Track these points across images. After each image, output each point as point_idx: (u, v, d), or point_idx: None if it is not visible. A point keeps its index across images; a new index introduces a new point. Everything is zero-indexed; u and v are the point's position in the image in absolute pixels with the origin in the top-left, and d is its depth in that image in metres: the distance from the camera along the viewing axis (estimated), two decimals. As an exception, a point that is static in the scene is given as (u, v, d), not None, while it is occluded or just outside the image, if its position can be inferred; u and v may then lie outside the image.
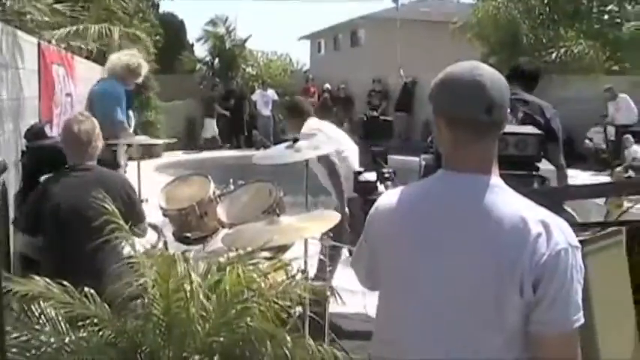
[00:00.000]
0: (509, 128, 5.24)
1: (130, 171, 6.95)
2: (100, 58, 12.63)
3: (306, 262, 4.83)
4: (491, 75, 2.05)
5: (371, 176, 3.74)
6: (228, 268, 3.36)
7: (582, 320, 1.97)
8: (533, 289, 1.92)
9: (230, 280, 3.34)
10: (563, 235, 1.97)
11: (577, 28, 21.04)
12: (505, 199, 2.01)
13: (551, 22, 21.53)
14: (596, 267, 3.10)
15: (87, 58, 12.09)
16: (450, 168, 2.09)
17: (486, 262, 1.96)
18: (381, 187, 3.97)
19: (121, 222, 3.50)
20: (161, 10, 27.90)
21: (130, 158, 7.88)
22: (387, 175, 3.83)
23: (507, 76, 5.73)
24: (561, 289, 1.93)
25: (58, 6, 9.52)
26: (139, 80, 7.74)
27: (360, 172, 3.58)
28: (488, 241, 1.96)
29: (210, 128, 21.89)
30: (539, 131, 4.43)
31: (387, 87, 23.40)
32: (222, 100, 22.40)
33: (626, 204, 4.16)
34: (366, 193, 3.70)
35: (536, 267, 1.92)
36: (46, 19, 8.83)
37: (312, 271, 5.18)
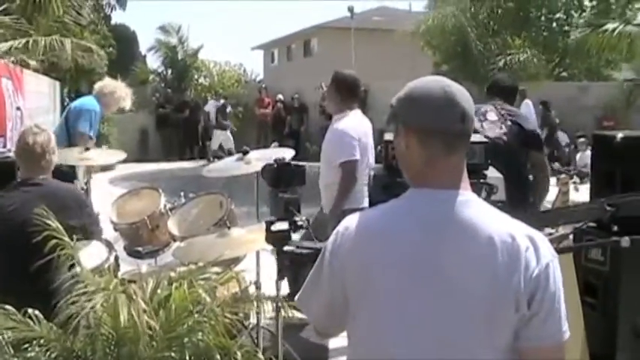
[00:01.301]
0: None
1: (93, 184, 6.98)
2: (54, 70, 12.54)
3: (258, 274, 4.83)
4: (457, 87, 2.05)
5: (283, 226, 3.56)
6: (174, 285, 3.33)
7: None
8: (528, 304, 1.91)
9: (178, 295, 3.32)
10: (547, 247, 1.98)
11: (525, 36, 21.39)
12: (486, 214, 2.00)
13: (500, 30, 21.84)
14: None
15: (36, 70, 11.96)
16: (422, 185, 2.04)
17: (480, 279, 1.93)
18: (294, 236, 3.82)
19: (66, 239, 3.44)
20: (113, 21, 27.78)
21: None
22: (300, 224, 3.62)
23: (488, 89, 5.80)
24: (554, 301, 1.94)
25: (4, 18, 9.42)
26: (114, 110, 7.98)
27: (271, 222, 3.43)
28: (481, 259, 1.93)
29: (217, 139, 21.86)
30: (485, 139, 4.50)
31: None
32: (176, 111, 22.33)
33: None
34: (279, 243, 3.52)
35: (530, 281, 1.91)
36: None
37: (267, 283, 5.16)
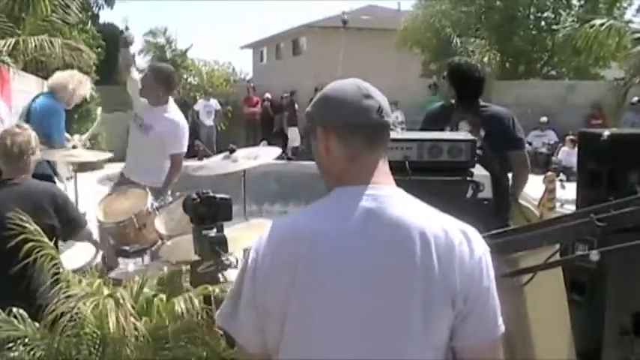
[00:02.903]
0: (443, 135, 5.33)
1: (81, 183, 6.96)
2: (42, 69, 12.48)
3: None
4: (370, 85, 2.06)
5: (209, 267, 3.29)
6: (158, 292, 3.33)
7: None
8: (464, 300, 1.88)
9: (161, 304, 3.33)
10: (479, 240, 1.95)
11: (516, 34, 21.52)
12: (416, 209, 1.95)
13: (485, 30, 21.92)
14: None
15: (23, 70, 11.91)
16: (347, 183, 1.99)
17: (414, 276, 1.86)
18: (227, 274, 3.56)
19: (45, 239, 3.42)
20: (102, 20, 27.64)
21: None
22: (227, 263, 3.32)
23: (467, 95, 5.62)
24: (488, 296, 1.92)
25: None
26: (78, 101, 7.76)
27: (198, 262, 3.21)
28: (414, 255, 1.86)
29: (295, 137, 21.85)
30: (473, 137, 4.48)
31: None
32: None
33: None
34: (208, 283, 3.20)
35: (465, 277, 1.88)
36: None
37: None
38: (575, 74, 23.56)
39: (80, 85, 7.56)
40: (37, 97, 7.75)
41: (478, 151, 5.15)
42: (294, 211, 2.16)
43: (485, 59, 19.95)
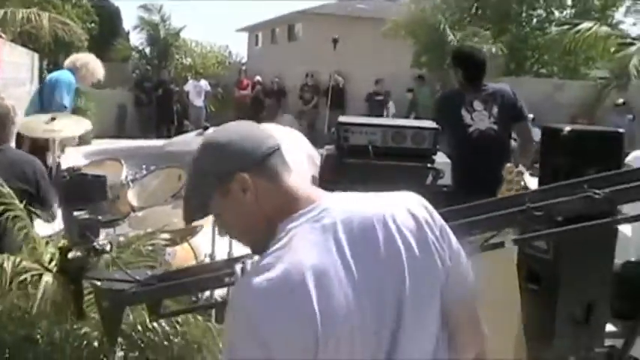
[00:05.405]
0: (406, 122, 5.48)
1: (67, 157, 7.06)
2: (32, 41, 12.52)
3: (213, 246, 4.95)
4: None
5: (78, 253, 2.78)
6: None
7: None
8: (449, 257, 1.85)
9: (127, 258, 3.42)
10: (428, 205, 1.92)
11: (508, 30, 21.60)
12: (369, 202, 1.85)
13: (477, 25, 22.00)
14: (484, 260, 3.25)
15: (13, 41, 11.96)
16: (292, 212, 1.78)
17: (399, 267, 1.77)
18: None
19: (16, 202, 3.52)
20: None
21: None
22: (98, 249, 2.76)
23: (452, 58, 5.72)
24: (461, 252, 1.92)
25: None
26: (94, 81, 8.12)
27: (68, 249, 2.69)
28: (395, 246, 1.78)
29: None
30: (435, 126, 4.62)
31: (319, 82, 23.56)
32: (153, 90, 22.34)
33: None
34: (75, 274, 2.77)
35: (441, 239, 1.85)
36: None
37: (221, 256, 5.27)
38: (565, 73, 23.68)
39: (99, 68, 7.96)
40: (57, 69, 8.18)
41: (494, 127, 5.33)
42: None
43: (494, 50, 19.96)
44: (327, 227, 1.75)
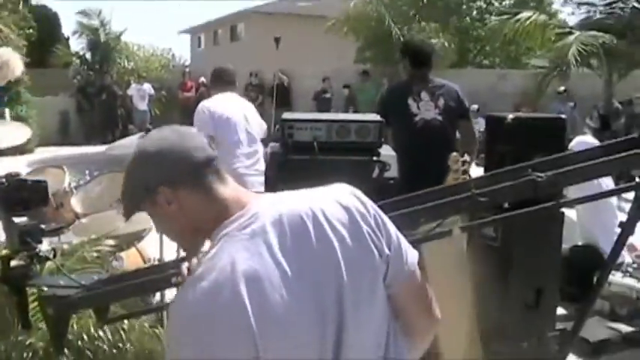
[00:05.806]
0: (350, 116, 5.49)
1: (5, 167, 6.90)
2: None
3: (161, 250, 4.88)
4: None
5: (21, 261, 2.74)
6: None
7: None
8: (387, 246, 1.83)
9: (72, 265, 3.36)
10: (357, 191, 1.91)
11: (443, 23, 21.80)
12: (299, 199, 1.84)
13: (422, 18, 22.19)
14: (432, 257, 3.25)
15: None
16: (224, 220, 1.78)
17: (333, 260, 1.76)
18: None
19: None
20: (34, 1, 27.19)
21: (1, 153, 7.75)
22: (42, 255, 2.73)
23: (421, 62, 5.76)
24: (396, 232, 1.90)
25: None
26: (8, 79, 7.71)
27: (10, 258, 2.63)
28: (329, 240, 1.76)
29: None
30: (380, 119, 4.62)
31: (264, 81, 23.52)
32: (96, 95, 22.08)
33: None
34: (18, 282, 2.71)
35: (376, 228, 1.83)
36: None
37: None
38: (506, 63, 24.03)
39: (18, 63, 7.50)
40: None
41: (439, 118, 5.34)
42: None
43: (440, 43, 20.12)
44: (257, 231, 1.74)
